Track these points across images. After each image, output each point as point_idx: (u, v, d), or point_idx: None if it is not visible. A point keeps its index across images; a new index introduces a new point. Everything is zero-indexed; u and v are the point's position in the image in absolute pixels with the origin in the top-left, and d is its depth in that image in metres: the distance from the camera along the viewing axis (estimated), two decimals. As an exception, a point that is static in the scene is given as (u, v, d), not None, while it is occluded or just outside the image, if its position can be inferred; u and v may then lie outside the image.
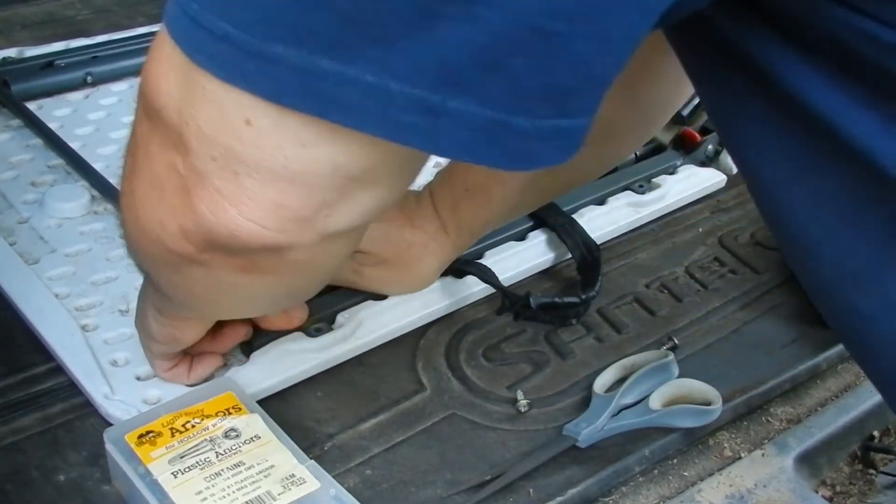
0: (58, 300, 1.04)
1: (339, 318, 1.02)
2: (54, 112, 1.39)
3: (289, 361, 0.97)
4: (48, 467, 0.89)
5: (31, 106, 1.38)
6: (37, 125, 1.33)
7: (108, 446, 0.85)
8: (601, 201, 1.23)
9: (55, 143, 1.30)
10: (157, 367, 0.94)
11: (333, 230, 0.62)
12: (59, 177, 1.25)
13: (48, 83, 1.43)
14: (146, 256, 0.72)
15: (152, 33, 1.50)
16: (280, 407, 0.95)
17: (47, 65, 1.46)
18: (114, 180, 1.22)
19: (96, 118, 1.39)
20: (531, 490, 0.89)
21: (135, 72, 1.47)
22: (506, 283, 1.10)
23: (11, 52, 1.48)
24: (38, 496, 0.87)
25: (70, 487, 0.87)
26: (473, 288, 1.08)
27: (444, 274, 1.07)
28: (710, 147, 1.32)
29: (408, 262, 1.03)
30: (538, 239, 1.16)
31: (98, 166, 1.25)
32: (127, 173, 0.67)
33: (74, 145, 1.29)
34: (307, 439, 0.92)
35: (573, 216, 1.18)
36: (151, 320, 0.89)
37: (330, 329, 1.01)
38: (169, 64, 0.58)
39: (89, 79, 1.45)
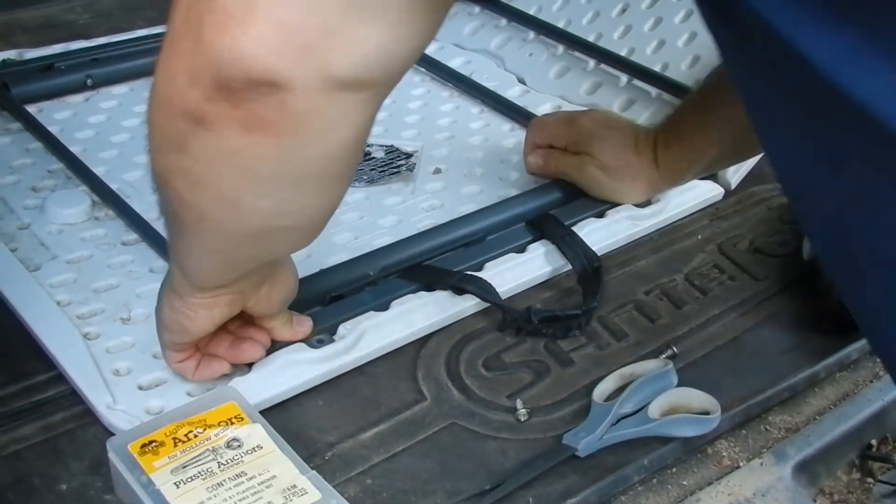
0: (59, 308, 1.04)
1: (341, 329, 1.02)
2: (54, 115, 1.39)
3: (291, 372, 0.97)
4: (50, 476, 0.89)
5: (31, 109, 1.38)
6: (37, 129, 1.33)
7: (111, 455, 0.85)
8: (600, 214, 1.23)
9: (55, 147, 1.30)
10: (167, 357, 0.95)
11: (335, 72, 0.63)
12: (59, 182, 1.25)
13: (48, 86, 1.43)
14: (158, 136, 0.73)
15: (152, 36, 1.54)
16: (281, 416, 0.95)
17: (47, 67, 1.46)
18: (115, 185, 1.23)
19: (97, 122, 1.39)
20: (531, 499, 0.90)
21: (135, 74, 1.47)
22: (505, 296, 1.10)
23: (11, 55, 1.48)
24: None
25: (72, 496, 0.88)
26: (474, 300, 1.08)
27: (444, 289, 1.08)
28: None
29: (623, 176, 1.20)
30: (538, 251, 1.16)
31: (99, 171, 1.25)
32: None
33: (75, 149, 1.29)
34: (308, 448, 0.92)
35: (573, 229, 1.18)
36: (166, 306, 0.90)
37: (332, 340, 1.01)
38: None
39: (89, 81, 1.45)
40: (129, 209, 1.18)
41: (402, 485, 0.90)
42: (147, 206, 1.19)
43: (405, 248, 1.13)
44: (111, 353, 1.00)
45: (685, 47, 1.48)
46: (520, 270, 1.13)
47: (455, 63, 1.56)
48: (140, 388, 0.96)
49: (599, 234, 1.20)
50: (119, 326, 1.03)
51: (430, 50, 1.58)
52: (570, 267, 1.15)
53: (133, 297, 1.07)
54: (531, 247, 1.16)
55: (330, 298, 1.05)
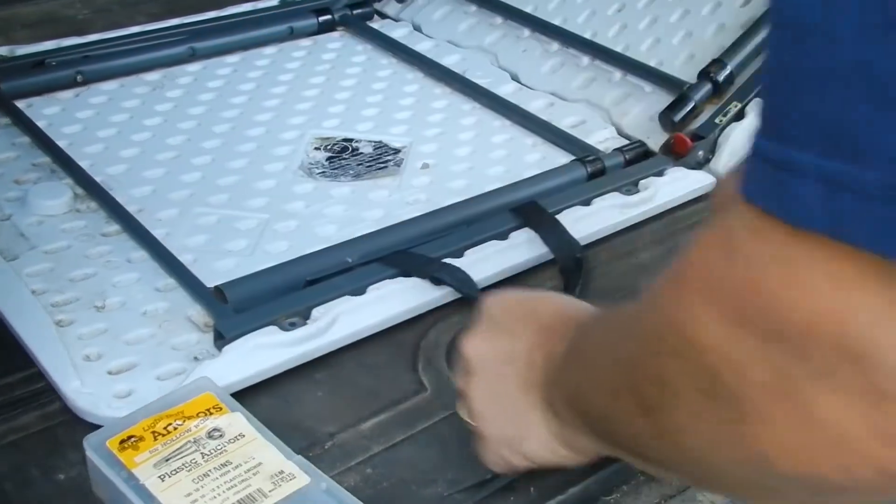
0: (34, 296, 1.03)
1: (315, 312, 1.00)
2: (43, 111, 1.38)
3: (260, 356, 0.95)
4: (48, 466, 0.88)
5: (21, 104, 1.38)
6: (24, 123, 1.33)
7: (89, 453, 0.82)
8: (587, 202, 1.20)
9: (42, 141, 1.29)
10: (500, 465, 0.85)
11: None
12: (43, 175, 1.24)
13: (38, 81, 1.43)
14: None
15: (144, 32, 1.54)
16: (280, 406, 0.94)
17: (38, 63, 1.46)
18: (99, 178, 1.22)
19: (84, 117, 1.38)
20: (532, 488, 0.88)
21: (126, 71, 1.48)
22: (486, 283, 1.07)
23: (3, 51, 1.48)
24: (38, 495, 0.86)
25: (70, 486, 0.86)
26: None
27: (421, 277, 1.05)
28: (700, 153, 1.28)
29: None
30: (520, 238, 1.13)
31: (84, 164, 1.25)
32: (691, 415, 0.55)
33: (61, 144, 1.29)
34: (307, 438, 0.91)
35: (557, 217, 1.15)
36: (548, 452, 0.79)
37: (304, 323, 0.99)
38: (836, 280, 0.46)
39: (79, 78, 1.45)
40: (111, 200, 1.18)
41: (403, 474, 0.89)
42: (129, 199, 1.20)
43: (386, 235, 1.11)
44: (83, 339, 0.98)
45: (680, 45, 1.46)
46: (500, 258, 1.11)
47: (449, 60, 1.54)
48: (109, 372, 0.95)
49: (586, 223, 1.17)
50: (93, 314, 1.02)
51: (425, 48, 1.57)
52: (552, 256, 1.13)
53: (109, 287, 1.06)
54: (513, 234, 1.14)
55: (306, 283, 1.04)
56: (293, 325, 0.98)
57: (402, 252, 1.08)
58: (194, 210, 1.19)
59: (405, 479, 0.88)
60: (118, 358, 0.96)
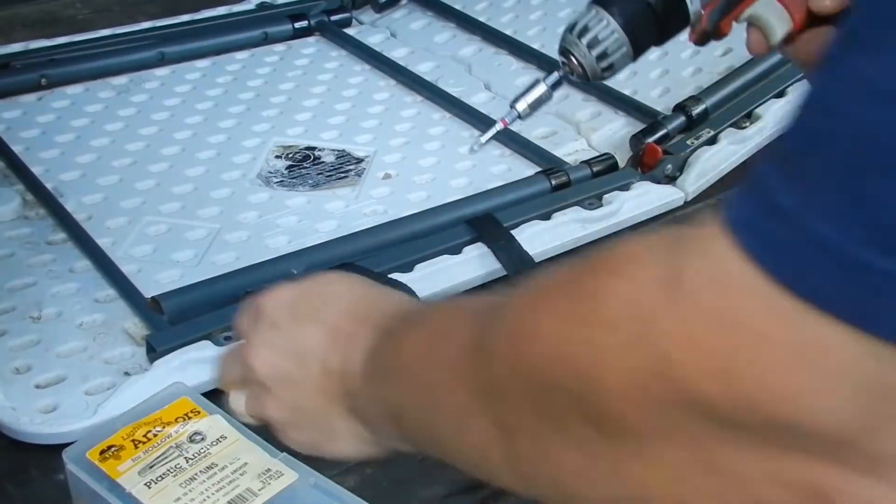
0: (-33, 305, 1.00)
1: (252, 327, 0.97)
2: (3, 114, 1.36)
3: (191, 371, 0.91)
4: (48, 466, 0.87)
5: (-19, 108, 1.35)
6: (-20, 128, 1.30)
7: (70, 467, 0.80)
8: (547, 216, 1.16)
9: (-4, 145, 1.27)
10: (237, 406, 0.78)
11: None
12: (-5, 180, 1.22)
13: (1, 84, 1.40)
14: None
15: (113, 36, 1.51)
16: None
17: (3, 66, 1.43)
18: (51, 185, 1.20)
19: (45, 121, 1.36)
20: None
21: (91, 75, 1.45)
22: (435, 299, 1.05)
23: (-30, 54, 1.46)
24: (38, 495, 0.86)
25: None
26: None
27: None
28: (668, 167, 1.25)
29: None
30: (473, 253, 1.10)
31: (37, 170, 1.22)
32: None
33: (17, 148, 1.27)
34: None
35: (513, 231, 1.12)
36: (342, 427, 0.69)
37: (239, 338, 0.95)
38: (837, 374, 0.43)
39: (43, 81, 1.42)
40: (60, 208, 1.15)
41: (403, 474, 0.88)
42: (79, 206, 1.17)
43: (335, 247, 1.09)
44: (13, 350, 0.96)
45: (656, 80, 1.47)
46: (451, 273, 1.07)
47: (423, 68, 1.51)
48: (37, 386, 0.93)
49: (544, 237, 1.13)
50: (27, 325, 1.00)
51: (399, 55, 1.54)
52: (505, 272, 1.09)
53: (47, 297, 1.03)
54: (466, 249, 1.10)
55: (246, 295, 1.00)
56: (228, 340, 0.95)
57: (347, 265, 1.04)
58: (144, 219, 1.16)
59: (406, 479, 0.88)
60: (47, 371, 0.94)
